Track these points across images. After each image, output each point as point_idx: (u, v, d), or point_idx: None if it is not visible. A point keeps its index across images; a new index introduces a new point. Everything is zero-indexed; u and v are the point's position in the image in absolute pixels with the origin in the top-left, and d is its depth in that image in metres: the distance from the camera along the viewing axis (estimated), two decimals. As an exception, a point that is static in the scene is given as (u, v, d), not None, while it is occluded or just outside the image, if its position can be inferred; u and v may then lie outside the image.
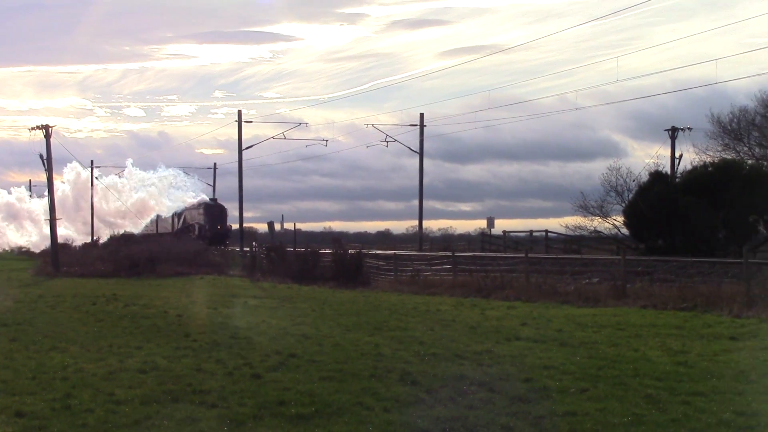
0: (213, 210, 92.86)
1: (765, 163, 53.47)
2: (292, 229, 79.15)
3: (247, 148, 65.05)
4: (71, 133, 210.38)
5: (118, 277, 51.81)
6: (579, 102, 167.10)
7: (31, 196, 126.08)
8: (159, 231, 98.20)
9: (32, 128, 62.25)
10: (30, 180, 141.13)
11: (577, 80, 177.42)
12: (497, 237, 71.06)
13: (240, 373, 16.62)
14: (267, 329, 23.71)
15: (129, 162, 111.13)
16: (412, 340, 21.15)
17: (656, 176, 53.45)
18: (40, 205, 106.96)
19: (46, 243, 74.76)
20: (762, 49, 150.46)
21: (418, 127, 73.46)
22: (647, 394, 14.20)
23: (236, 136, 73.43)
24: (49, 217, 62.73)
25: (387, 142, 74.74)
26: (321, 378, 15.95)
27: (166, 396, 14.40)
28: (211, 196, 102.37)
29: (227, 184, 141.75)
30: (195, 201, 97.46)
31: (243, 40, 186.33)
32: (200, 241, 79.12)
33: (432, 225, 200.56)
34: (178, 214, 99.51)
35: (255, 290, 39.96)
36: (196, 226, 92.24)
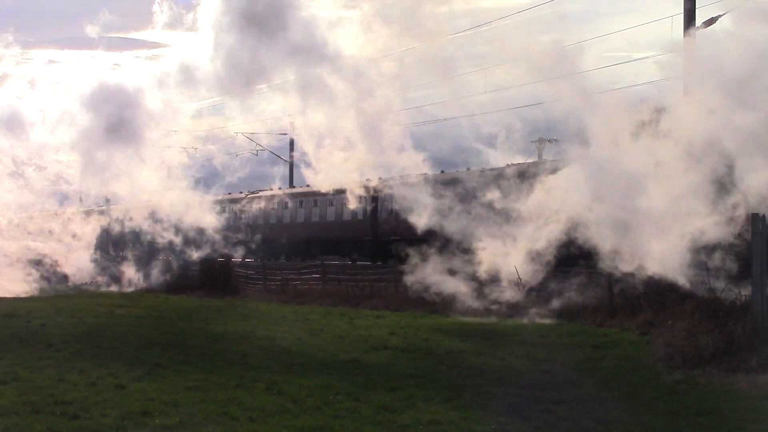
0: None
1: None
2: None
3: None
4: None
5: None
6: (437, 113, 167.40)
7: None
8: None
9: None
10: None
11: (436, 92, 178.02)
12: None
13: (103, 383, 16.32)
14: (133, 339, 23.31)
15: None
16: (280, 349, 21.08)
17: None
18: None
19: None
20: (623, 63, 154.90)
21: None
22: (511, 403, 14.42)
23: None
24: None
25: (257, 151, 73.58)
26: (186, 388, 15.78)
27: (27, 407, 14.04)
28: None
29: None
30: None
31: (108, 47, 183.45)
32: None
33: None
34: None
35: (122, 299, 39.27)
36: None
